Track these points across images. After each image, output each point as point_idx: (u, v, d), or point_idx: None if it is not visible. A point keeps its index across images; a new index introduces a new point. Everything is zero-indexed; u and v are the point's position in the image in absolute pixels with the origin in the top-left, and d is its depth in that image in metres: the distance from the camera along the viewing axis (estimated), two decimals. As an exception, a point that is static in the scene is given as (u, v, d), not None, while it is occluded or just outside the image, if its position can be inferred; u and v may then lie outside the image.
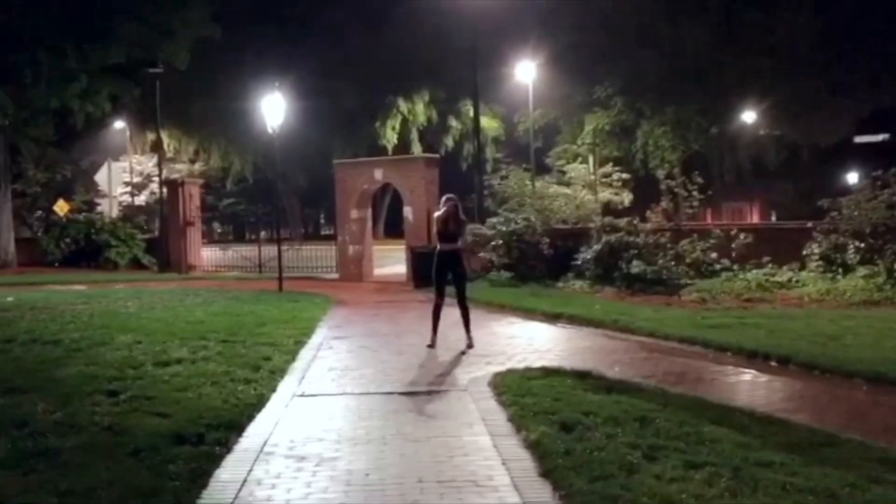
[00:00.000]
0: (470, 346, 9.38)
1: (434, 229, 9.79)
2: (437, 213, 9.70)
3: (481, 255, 17.39)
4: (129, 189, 34.37)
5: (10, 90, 22.94)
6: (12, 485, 4.42)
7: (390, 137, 35.60)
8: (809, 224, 15.07)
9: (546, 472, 4.71)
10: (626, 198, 24.98)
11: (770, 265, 14.62)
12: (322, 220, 64.78)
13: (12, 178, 27.71)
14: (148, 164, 34.46)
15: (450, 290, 9.75)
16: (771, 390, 7.46)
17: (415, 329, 11.52)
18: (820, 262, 14.27)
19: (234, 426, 5.68)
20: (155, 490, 4.29)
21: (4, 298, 14.45)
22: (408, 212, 20.15)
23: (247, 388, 6.91)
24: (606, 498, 4.24)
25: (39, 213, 30.60)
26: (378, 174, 21.06)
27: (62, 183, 32.00)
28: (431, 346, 9.39)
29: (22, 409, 6.03)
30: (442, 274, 9.51)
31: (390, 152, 32.46)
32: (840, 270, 13.92)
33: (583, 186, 23.82)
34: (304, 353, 9.07)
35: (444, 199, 9.72)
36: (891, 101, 29.36)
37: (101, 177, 29.48)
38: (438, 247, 9.51)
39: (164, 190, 26.15)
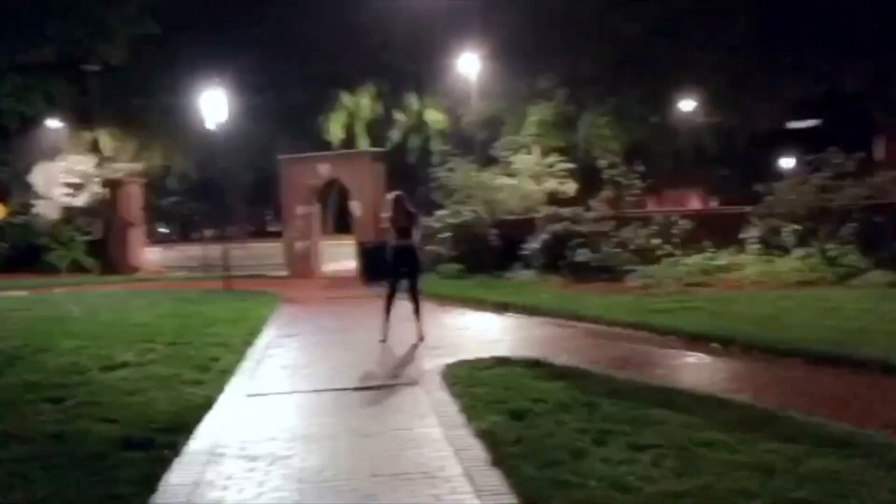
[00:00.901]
0: (421, 339, 9.40)
1: (383, 225, 9.78)
2: (384, 213, 9.67)
3: (429, 247, 17.43)
4: (68, 190, 33.39)
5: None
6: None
7: (336, 132, 35.22)
8: (747, 208, 15.53)
9: (497, 461, 4.79)
10: (571, 187, 25.22)
11: (711, 250, 15.02)
12: (268, 217, 63.99)
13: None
14: (87, 164, 33.54)
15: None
16: (714, 371, 7.70)
17: (365, 324, 11.50)
18: (758, 246, 14.72)
19: (184, 429, 5.62)
20: (104, 498, 4.24)
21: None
22: (355, 206, 20.09)
23: (196, 390, 6.83)
24: (556, 483, 4.33)
25: (-26, 216, 29.52)
26: (324, 169, 20.95)
27: (-4, 183, 30.94)
28: (383, 340, 9.39)
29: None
30: (396, 270, 9.50)
31: (336, 147, 32.21)
32: (777, 253, 14.38)
33: (528, 177, 24.02)
34: (254, 352, 9.01)
35: (390, 197, 9.74)
36: (820, 88, 30.28)
37: (37, 178, 28.59)
38: (392, 242, 9.46)
39: (105, 190, 25.51)
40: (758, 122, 30.62)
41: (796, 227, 14.28)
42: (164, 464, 4.87)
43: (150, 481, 4.54)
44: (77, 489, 4.41)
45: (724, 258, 14.67)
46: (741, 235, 15.00)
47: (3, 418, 5.91)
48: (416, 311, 9.59)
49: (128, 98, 30.60)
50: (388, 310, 9.56)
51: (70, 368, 7.77)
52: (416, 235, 9.70)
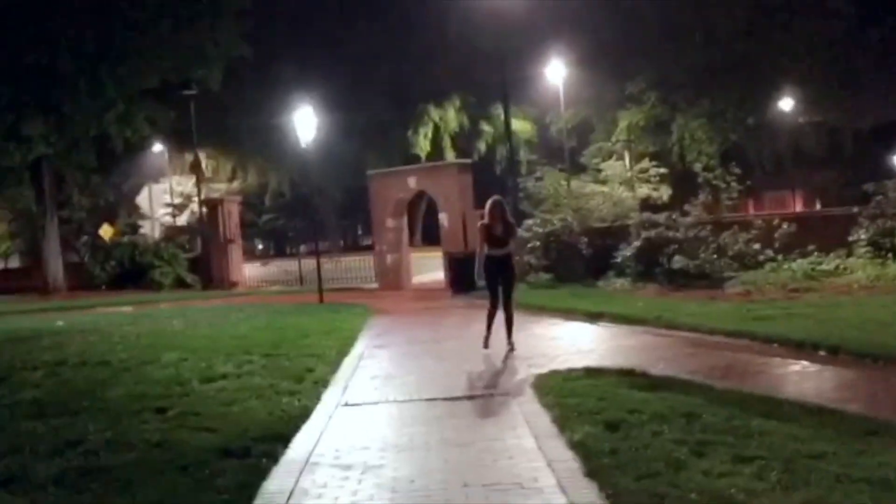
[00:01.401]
0: (511, 349, 9.26)
1: (478, 235, 9.46)
2: (481, 221, 9.44)
3: (518, 258, 17.35)
4: (170, 210, 35.08)
5: (52, 120, 23.62)
6: (68, 501, 4.52)
7: (423, 145, 35.73)
8: (855, 209, 14.73)
9: (591, 472, 4.65)
10: (665, 193, 24.69)
11: (815, 253, 14.34)
12: (360, 232, 65.22)
13: (58, 205, 28.49)
14: (187, 184, 35.15)
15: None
16: (821, 380, 7.28)
17: (455, 334, 11.53)
18: (868, 248, 13.95)
19: (280, 438, 5.73)
20: (205, 504, 4.35)
21: (55, 323, 14.83)
22: (443, 218, 20.20)
23: (291, 400, 6.97)
24: (654, 496, 4.17)
25: (85, 237, 31.38)
26: (412, 182, 21.16)
27: (106, 207, 32.79)
28: (486, 347, 9.27)
29: (74, 430, 6.16)
30: (493, 280, 9.29)
31: (424, 160, 32.58)
32: (889, 255, 13.57)
33: (619, 184, 23.61)
34: (347, 363, 9.13)
35: (489, 201, 9.35)
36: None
37: (142, 199, 30.18)
38: (487, 252, 9.18)
39: (204, 209, 26.62)
40: (865, 118, 29.09)
41: (910, 227, 13.43)
42: (260, 472, 4.97)
43: (248, 489, 4.64)
44: (178, 495, 4.55)
45: (830, 262, 13.95)
46: (849, 238, 14.22)
47: (111, 427, 6.18)
48: (508, 322, 9.39)
49: (224, 120, 31.96)
50: (490, 319, 9.35)
51: (172, 380, 8.07)
52: (513, 245, 9.41)
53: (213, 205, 26.10)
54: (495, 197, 9.38)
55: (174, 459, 5.25)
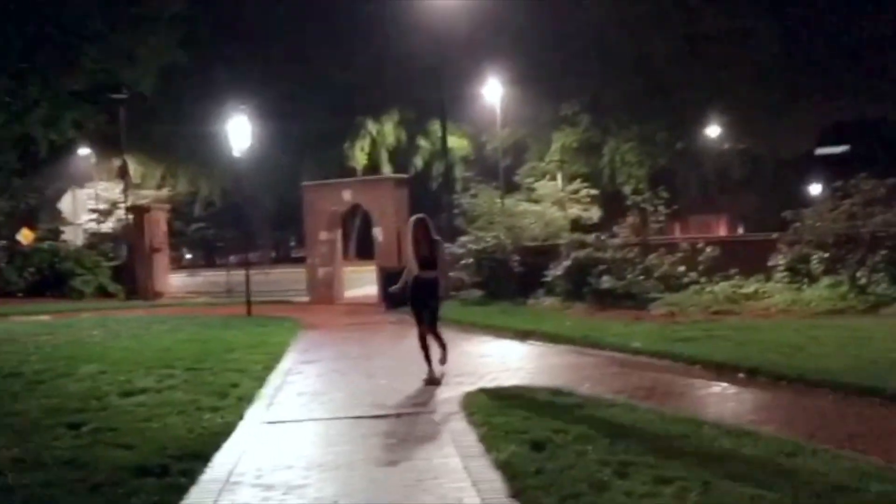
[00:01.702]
0: (438, 379, 8.46)
1: (406, 252, 8.77)
2: (406, 241, 9.25)
3: (451, 274, 17.39)
4: (94, 216, 33.90)
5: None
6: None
7: (360, 159, 35.54)
8: (774, 235, 15.29)
9: (516, 493, 4.67)
10: (595, 214, 25.17)
11: (737, 277, 14.80)
12: (292, 243, 64.42)
13: (-26, 207, 27.22)
14: (114, 190, 34.07)
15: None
16: (740, 402, 7.51)
17: (385, 351, 11.46)
18: (785, 273, 14.48)
19: (200, 456, 5.57)
20: (116, 525, 4.18)
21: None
22: (377, 232, 20.13)
23: (213, 417, 6.79)
24: (577, 517, 4.21)
25: (3, 242, 30.04)
26: (347, 195, 21.04)
27: (26, 211, 31.47)
28: (431, 381, 8.29)
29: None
30: (418, 303, 8.51)
31: (360, 173, 32.42)
32: (805, 281, 14.12)
33: (552, 203, 23.97)
34: (273, 379, 8.96)
35: (412, 219, 8.71)
36: (850, 114, 30.04)
37: (65, 204, 29.09)
38: (414, 273, 8.41)
39: (130, 216, 25.84)
40: (786, 147, 30.41)
41: (825, 254, 14.01)
42: (178, 491, 4.81)
43: (164, 509, 4.48)
44: (89, 517, 4.36)
45: (750, 286, 14.44)
46: (769, 263, 14.75)
47: (19, 443, 5.89)
48: (442, 348, 8.70)
49: (155, 125, 31.15)
50: (423, 344, 8.56)
51: (89, 394, 7.77)
52: (442, 265, 8.58)
53: (139, 212, 25.36)
54: (418, 215, 8.70)
55: (87, 478, 5.04)
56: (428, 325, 8.57)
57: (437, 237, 8.67)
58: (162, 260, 24.89)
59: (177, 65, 25.74)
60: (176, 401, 7.36)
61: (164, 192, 37.18)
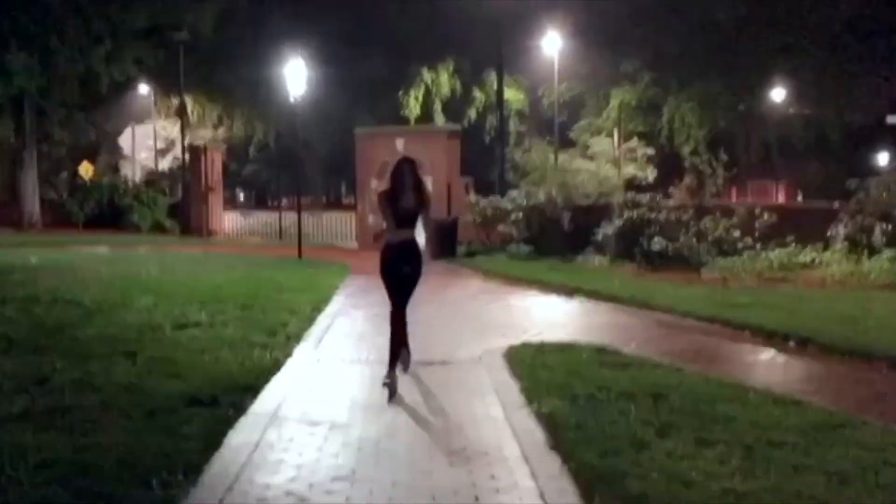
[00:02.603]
0: (406, 367, 6.57)
1: (381, 208, 6.40)
2: (377, 185, 7.49)
3: (501, 228, 17.35)
4: (152, 154, 34.58)
5: (36, 54, 23.08)
6: (31, 438, 4.50)
7: (413, 107, 35.33)
8: (836, 205, 14.83)
9: (556, 445, 4.70)
10: (651, 174, 24.74)
11: (794, 245, 14.44)
12: (343, 189, 64.83)
13: (38, 139, 27.99)
14: (172, 129, 34.63)
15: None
16: (789, 371, 7.39)
17: (431, 299, 11.50)
18: (845, 244, 14.06)
19: (249, 390, 5.73)
20: (169, 451, 4.34)
21: (28, 258, 14.65)
22: (428, 183, 20.10)
23: (263, 353, 6.96)
24: (615, 473, 4.22)
25: (64, 175, 30.90)
26: (399, 144, 20.99)
27: (87, 146, 32.25)
28: (389, 384, 5.93)
29: (42, 368, 6.12)
30: (393, 273, 6.27)
31: (413, 122, 32.30)
32: (866, 252, 13.71)
33: (606, 161, 23.61)
34: (322, 320, 9.13)
35: (395, 162, 6.51)
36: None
37: (125, 141, 29.71)
38: (391, 235, 6.26)
39: (187, 156, 26.28)
40: (854, 115, 29.19)
41: (888, 226, 13.55)
42: (227, 422, 4.97)
43: (214, 438, 4.64)
44: (143, 440, 4.54)
45: (807, 255, 14.08)
46: (828, 233, 14.34)
47: (78, 367, 6.14)
48: (403, 331, 6.43)
49: (214, 67, 31.39)
50: (395, 330, 6.33)
51: (144, 324, 8.03)
52: (426, 222, 6.40)
53: (196, 151, 25.77)
54: (404, 156, 6.89)
55: (141, 404, 5.23)
56: (400, 306, 6.38)
57: (425, 187, 6.54)
58: (216, 199, 25.34)
59: (236, 7, 25.82)
60: (227, 336, 7.55)
61: (220, 132, 37.68)
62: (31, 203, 26.42)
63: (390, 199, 6.20)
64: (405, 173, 6.23)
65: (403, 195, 6.18)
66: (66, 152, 31.11)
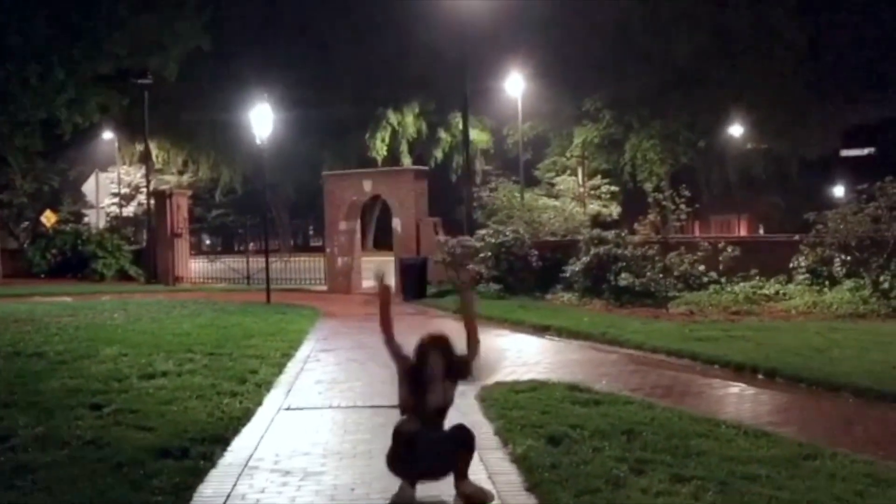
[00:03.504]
0: None
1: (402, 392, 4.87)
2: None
3: (470, 267, 17.39)
4: (116, 200, 34.22)
5: (-3, 102, 22.88)
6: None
7: (380, 149, 35.62)
8: (796, 237, 15.13)
9: (532, 487, 4.69)
10: (615, 210, 25.14)
11: (757, 278, 14.68)
12: (311, 232, 64.68)
13: (-1, 188, 27.58)
14: (136, 174, 34.37)
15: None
16: (758, 403, 7.46)
17: (403, 341, 11.47)
18: (807, 275, 14.33)
19: (219, 440, 5.63)
20: (137, 505, 4.24)
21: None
22: (396, 223, 20.15)
23: (233, 402, 6.85)
24: (593, 512, 4.22)
25: (26, 223, 30.42)
26: (367, 186, 21.06)
27: (49, 193, 31.84)
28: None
29: (3, 423, 5.95)
30: (413, 467, 4.55)
31: (380, 164, 32.49)
32: (827, 283, 13.98)
33: (571, 199, 23.94)
34: (292, 366, 9.02)
35: (421, 341, 4.92)
36: (875, 116, 29.66)
37: (88, 188, 29.37)
38: (411, 428, 4.61)
39: (152, 201, 26.04)
40: (810, 149, 30.07)
41: (847, 257, 13.86)
42: (197, 474, 4.87)
43: (184, 491, 4.55)
44: (111, 496, 4.43)
45: (771, 287, 14.32)
46: (790, 265, 14.62)
47: (42, 422, 5.98)
48: None
49: (179, 111, 31.37)
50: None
51: (110, 375, 7.87)
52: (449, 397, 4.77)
53: (161, 196, 25.52)
54: (435, 333, 4.92)
55: (108, 458, 5.11)
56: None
57: (463, 359, 4.80)
58: (182, 245, 25.05)
59: (201, 51, 25.89)
60: (196, 385, 7.43)
61: (186, 177, 37.52)
62: (-9, 253, 25.93)
63: (413, 388, 4.70)
64: (430, 365, 4.68)
65: (431, 391, 4.66)
66: (28, 200, 30.67)
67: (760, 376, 8.30)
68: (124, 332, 11.22)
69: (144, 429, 5.85)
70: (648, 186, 20.25)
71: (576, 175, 27.25)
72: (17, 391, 7.14)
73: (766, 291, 14.20)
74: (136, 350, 9.35)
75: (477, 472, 5.05)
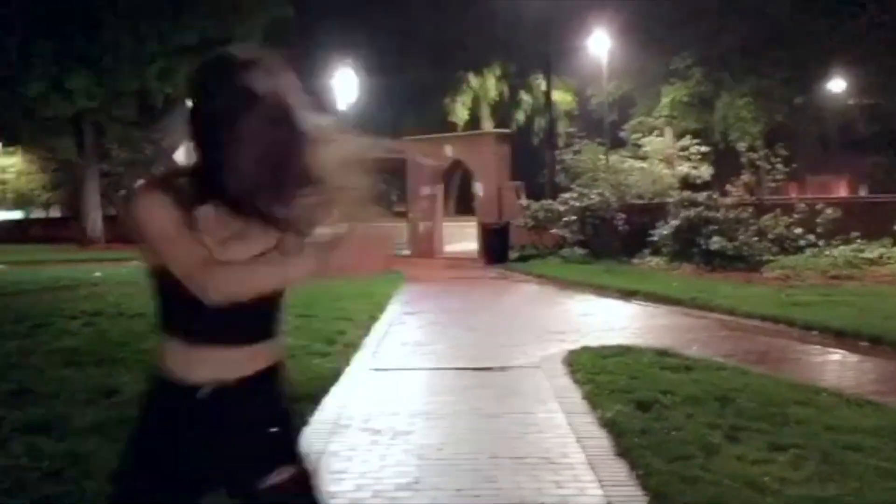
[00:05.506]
0: None
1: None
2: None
3: (553, 231, 17.21)
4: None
5: (93, 73, 23.84)
6: (105, 449, 4.59)
7: (461, 113, 35.42)
8: (903, 197, 14.32)
9: (622, 452, 4.60)
10: (706, 172, 24.24)
11: (859, 241, 13.97)
12: (393, 198, 65.27)
13: (99, 157, 28.84)
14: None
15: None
16: (861, 371, 7.12)
17: (486, 306, 11.51)
18: (914, 238, 13.56)
19: (311, 398, 5.75)
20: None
21: (92, 274, 15.07)
22: (478, 188, 20.09)
23: (322, 362, 7.00)
24: (686, 479, 4.11)
25: (123, 192, 31.75)
26: (448, 151, 21.04)
27: (145, 161, 33.10)
28: None
29: (110, 380, 6.25)
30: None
31: (460, 128, 32.33)
32: (937, 246, 13.20)
33: (659, 160, 23.22)
34: (378, 328, 9.16)
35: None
36: None
37: (180, 155, 30.40)
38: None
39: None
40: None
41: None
42: (291, 431, 4.99)
43: (278, 447, 4.66)
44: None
45: (874, 250, 13.60)
46: (895, 226, 13.84)
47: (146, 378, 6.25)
48: None
49: (263, 80, 31.86)
50: None
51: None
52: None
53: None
54: None
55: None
56: None
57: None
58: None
59: (284, 19, 26.21)
60: (288, 345, 7.61)
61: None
62: (94, 220, 27.29)
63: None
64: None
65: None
66: (125, 169, 32.00)
67: (864, 343, 7.90)
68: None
69: (240, 387, 6.04)
70: (741, 146, 19.42)
71: (664, 136, 26.38)
72: (122, 349, 7.49)
73: (868, 255, 13.52)
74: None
75: (564, 436, 5.01)
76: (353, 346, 7.86)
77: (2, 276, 12.02)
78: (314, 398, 5.79)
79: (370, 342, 8.30)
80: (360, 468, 4.48)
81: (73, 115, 25.77)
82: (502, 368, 7.13)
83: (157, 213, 1.64)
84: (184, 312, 1.67)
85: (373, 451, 4.76)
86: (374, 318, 9.67)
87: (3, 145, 38.59)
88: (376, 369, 7.12)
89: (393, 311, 10.69)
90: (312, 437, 4.96)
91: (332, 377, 6.52)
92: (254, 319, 1.72)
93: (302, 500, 1.75)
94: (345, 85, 18.53)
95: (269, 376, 1.78)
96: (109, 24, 22.91)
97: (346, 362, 7.16)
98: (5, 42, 22.62)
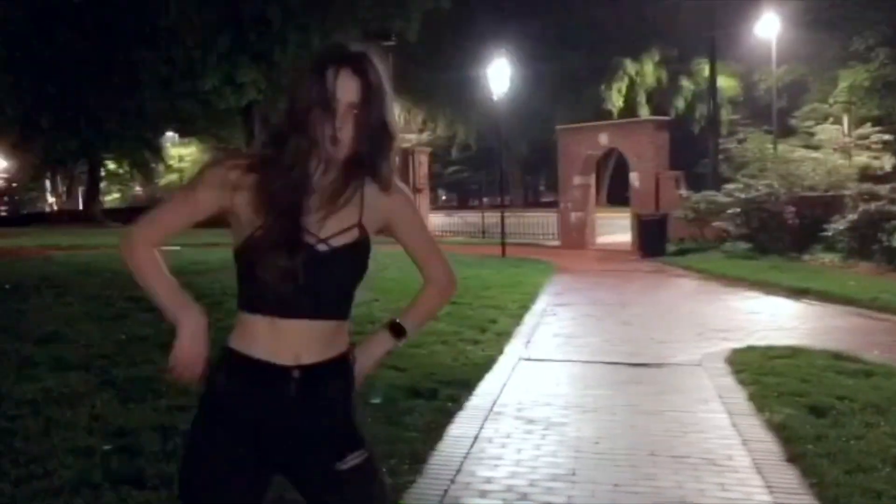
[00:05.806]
0: None
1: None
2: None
3: (716, 224, 16.44)
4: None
5: (262, 67, 25.33)
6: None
7: (616, 101, 34.55)
8: None
9: (793, 458, 4.31)
10: (888, 162, 22.26)
11: None
12: (542, 188, 64.84)
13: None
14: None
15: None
16: None
17: (641, 300, 11.18)
18: None
19: (465, 384, 5.82)
20: (394, 439, 4.50)
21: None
22: (634, 178, 19.53)
23: (475, 349, 7.06)
24: (868, 491, 3.78)
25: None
26: (603, 139, 20.59)
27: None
28: None
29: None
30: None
31: (615, 116, 31.54)
32: None
33: (834, 150, 21.57)
34: (529, 318, 9.11)
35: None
36: None
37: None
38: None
39: (397, 158, 27.51)
40: None
41: None
42: (447, 415, 5.07)
43: (436, 429, 4.74)
44: (370, 429, 4.73)
45: None
46: None
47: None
48: None
49: (419, 71, 32.62)
50: None
51: (364, 318, 8.42)
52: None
53: (404, 154, 26.86)
54: None
55: (365, 394, 5.47)
56: None
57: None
58: (423, 200, 26.28)
59: (438, 11, 26.61)
60: (440, 331, 7.74)
61: (425, 136, 39.12)
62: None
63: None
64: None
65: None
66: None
67: None
68: (374, 278, 11.98)
69: (396, 368, 6.19)
70: (930, 134, 17.70)
71: (840, 123, 24.45)
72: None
73: None
74: (386, 295, 9.92)
75: (728, 438, 4.77)
76: (505, 335, 7.87)
77: (178, 257, 13.01)
78: (468, 384, 5.85)
79: (522, 332, 8.28)
80: (515, 456, 4.47)
81: (242, 106, 27.48)
82: (659, 365, 6.88)
83: (197, 178, 1.78)
84: (262, 287, 1.74)
85: (527, 441, 4.74)
86: (525, 308, 9.64)
87: (180, 136, 41.95)
88: (529, 359, 7.08)
89: (544, 301, 10.60)
90: (467, 422, 5.03)
91: (485, 365, 6.56)
92: (331, 297, 1.83)
93: (374, 481, 1.85)
94: (499, 74, 18.53)
95: (345, 358, 1.87)
96: (278, 20, 24.21)
97: (499, 351, 7.17)
98: (186, 40, 24.46)
